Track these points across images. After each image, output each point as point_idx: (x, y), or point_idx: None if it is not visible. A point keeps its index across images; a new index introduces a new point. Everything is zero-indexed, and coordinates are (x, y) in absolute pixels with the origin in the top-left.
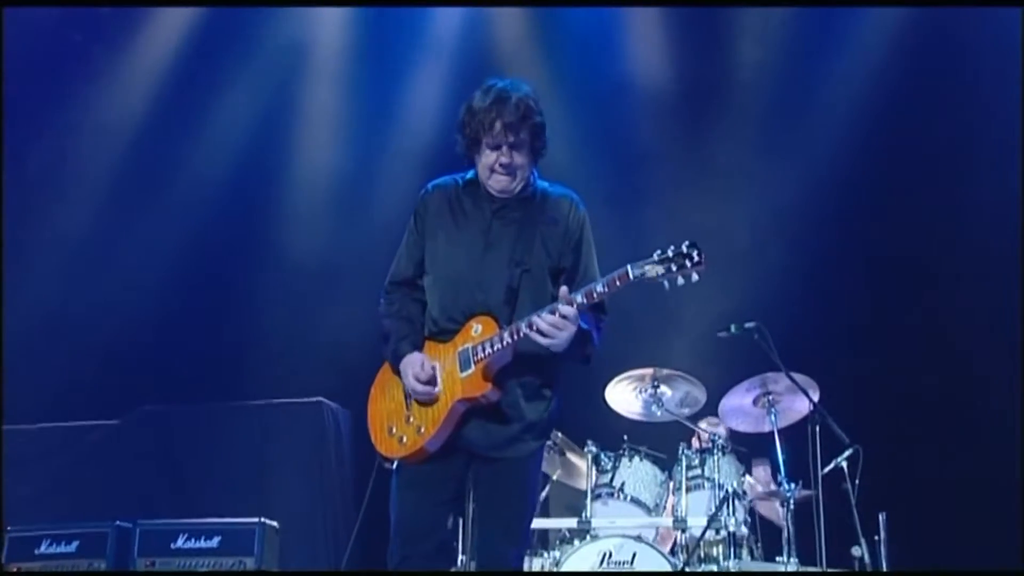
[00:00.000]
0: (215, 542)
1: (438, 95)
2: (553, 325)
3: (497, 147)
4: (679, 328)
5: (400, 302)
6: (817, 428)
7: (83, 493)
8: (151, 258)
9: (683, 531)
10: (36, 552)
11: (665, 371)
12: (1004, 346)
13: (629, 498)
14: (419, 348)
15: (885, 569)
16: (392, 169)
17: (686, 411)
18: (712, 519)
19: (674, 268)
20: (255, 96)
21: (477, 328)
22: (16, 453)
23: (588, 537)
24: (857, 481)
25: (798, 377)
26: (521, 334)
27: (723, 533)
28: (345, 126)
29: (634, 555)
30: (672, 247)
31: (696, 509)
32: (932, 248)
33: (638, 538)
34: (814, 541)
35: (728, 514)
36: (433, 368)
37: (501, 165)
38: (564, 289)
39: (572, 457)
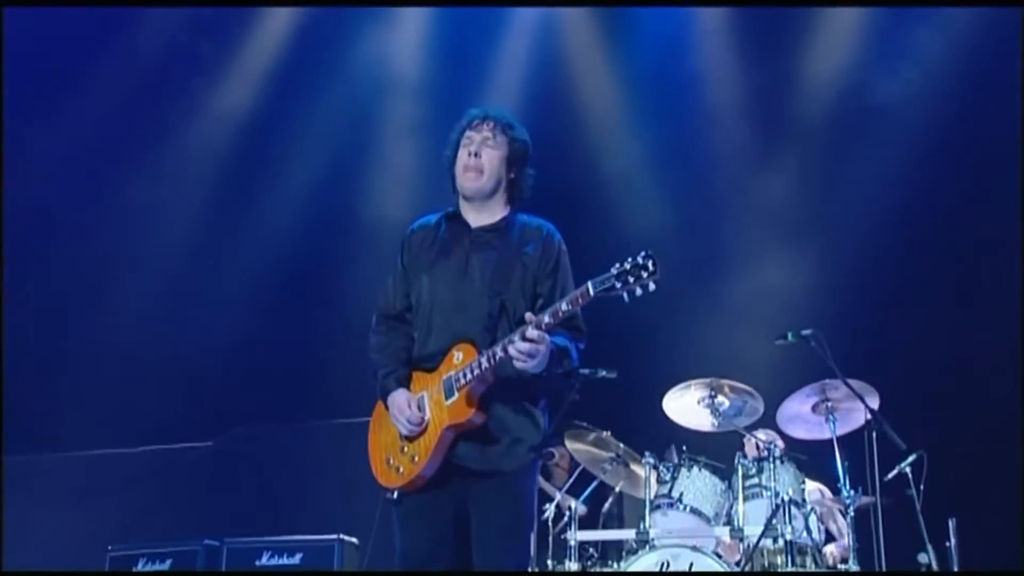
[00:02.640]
0: (297, 559)
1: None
2: (525, 350)
3: (469, 145)
4: (738, 338)
5: (388, 335)
6: (874, 434)
7: (180, 511)
8: (243, 283)
9: (741, 540)
10: (134, 570)
11: (723, 381)
12: None
13: (688, 508)
14: (406, 381)
15: None
16: None
17: (745, 421)
18: (767, 527)
19: (631, 280)
20: (346, 116)
21: (458, 356)
22: (121, 474)
23: (647, 547)
24: (922, 487)
25: (855, 383)
26: (497, 358)
27: (780, 542)
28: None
29: (691, 564)
30: (629, 260)
31: (754, 518)
32: (997, 255)
33: (695, 548)
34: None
35: (785, 522)
36: (420, 400)
37: (473, 159)
38: (529, 314)
39: (636, 468)
